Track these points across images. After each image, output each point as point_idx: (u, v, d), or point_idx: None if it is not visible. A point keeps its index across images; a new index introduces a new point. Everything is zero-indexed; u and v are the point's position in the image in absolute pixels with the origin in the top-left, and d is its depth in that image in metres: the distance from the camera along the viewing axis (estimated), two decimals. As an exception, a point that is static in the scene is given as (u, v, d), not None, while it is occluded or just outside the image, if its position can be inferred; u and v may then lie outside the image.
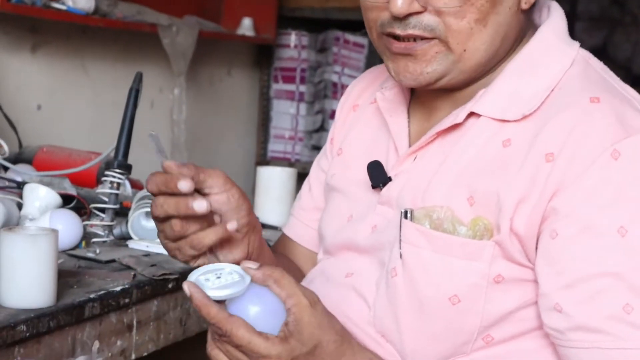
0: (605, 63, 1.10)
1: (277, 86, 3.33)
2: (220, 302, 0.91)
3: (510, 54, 1.07)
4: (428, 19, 1.02)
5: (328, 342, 0.93)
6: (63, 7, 2.25)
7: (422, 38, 1.02)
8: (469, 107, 1.03)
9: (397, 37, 1.03)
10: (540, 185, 0.96)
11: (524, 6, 1.04)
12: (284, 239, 1.34)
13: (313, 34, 3.34)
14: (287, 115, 3.34)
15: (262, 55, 3.36)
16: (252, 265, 0.94)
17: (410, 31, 1.02)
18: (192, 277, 0.93)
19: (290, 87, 3.32)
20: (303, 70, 3.30)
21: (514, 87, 1.04)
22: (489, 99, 1.04)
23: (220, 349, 0.93)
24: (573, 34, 1.13)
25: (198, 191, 0.99)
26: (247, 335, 0.89)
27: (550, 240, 0.95)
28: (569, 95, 1.02)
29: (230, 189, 1.03)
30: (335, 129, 1.27)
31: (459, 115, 1.03)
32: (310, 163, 1.92)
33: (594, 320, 0.94)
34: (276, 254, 1.24)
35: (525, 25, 1.08)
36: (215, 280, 0.92)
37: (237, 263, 1.01)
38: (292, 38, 3.33)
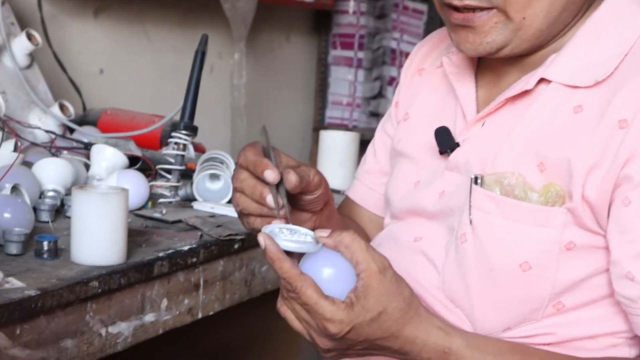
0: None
1: (335, 52, 3.32)
2: (293, 259, 0.92)
3: (581, 18, 1.06)
4: None
5: (394, 309, 0.94)
6: (126, -28, 2.24)
7: (480, 8, 1.02)
8: (540, 73, 1.03)
9: (456, 8, 1.03)
10: (612, 153, 0.95)
11: None
12: (347, 202, 1.35)
13: (372, 0, 3.32)
14: (345, 82, 3.32)
15: (321, 21, 3.35)
16: (323, 233, 0.95)
17: (467, 2, 1.02)
18: (267, 229, 0.95)
19: (349, 53, 3.30)
20: (361, 36, 3.28)
21: (586, 52, 1.03)
22: (559, 64, 1.03)
23: (288, 306, 0.94)
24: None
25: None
26: (314, 295, 0.89)
27: (623, 208, 0.95)
28: None
29: (314, 177, 1.07)
30: (400, 92, 1.27)
31: (529, 81, 1.03)
32: (367, 130, 1.93)
33: None
34: (343, 217, 1.25)
35: None
36: (289, 236, 0.94)
37: None
38: (351, 4, 3.30)
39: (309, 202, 1.09)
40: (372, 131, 1.37)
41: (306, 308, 0.91)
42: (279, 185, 1.01)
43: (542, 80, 1.03)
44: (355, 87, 3.22)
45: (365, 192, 1.32)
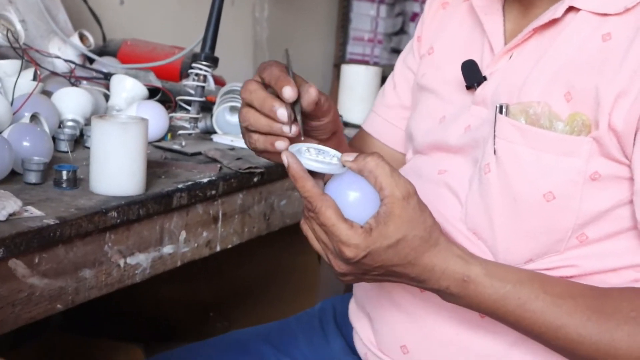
0: None
1: None
2: (317, 179, 0.94)
3: None
4: None
5: (414, 237, 0.94)
6: None
7: None
8: (568, 1, 1.02)
9: None
10: None
11: None
12: (362, 136, 1.36)
13: None
14: (366, 17, 3.33)
15: None
16: (349, 157, 0.95)
17: None
18: (294, 148, 0.95)
19: None
20: None
21: None
22: None
23: (309, 225, 0.96)
24: None
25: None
26: (333, 217, 0.91)
27: None
28: None
29: (325, 102, 1.06)
30: (424, 25, 1.27)
31: (557, 9, 1.02)
32: (389, 66, 1.94)
33: None
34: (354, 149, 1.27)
35: None
36: (315, 156, 0.94)
37: None
38: None
39: (316, 128, 1.09)
40: (393, 68, 1.38)
41: (324, 229, 0.93)
42: (294, 104, 1.00)
43: (571, 8, 1.02)
44: (377, 23, 3.21)
45: (382, 125, 1.32)
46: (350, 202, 0.93)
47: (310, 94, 1.00)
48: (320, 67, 3.28)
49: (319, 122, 1.07)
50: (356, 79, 1.91)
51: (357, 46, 3.23)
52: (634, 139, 0.96)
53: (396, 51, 3.15)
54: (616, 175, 0.99)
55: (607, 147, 0.97)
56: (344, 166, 0.94)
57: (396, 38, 3.21)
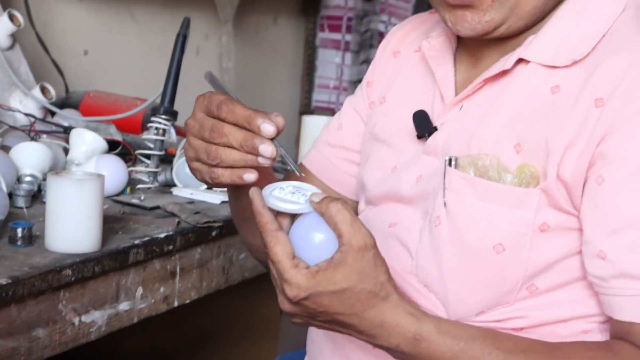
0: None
1: (323, 35, 3.35)
2: (283, 217, 0.96)
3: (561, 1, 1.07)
4: None
5: (362, 290, 0.94)
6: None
7: None
8: (518, 53, 1.03)
9: None
10: (588, 131, 0.96)
11: None
12: (301, 170, 1.33)
13: None
14: (332, 65, 3.35)
15: (309, 3, 3.37)
16: (315, 198, 0.96)
17: None
18: (269, 188, 0.96)
19: (336, 36, 3.33)
20: (349, 19, 3.32)
21: (564, 32, 1.04)
22: (538, 44, 1.04)
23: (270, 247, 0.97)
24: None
25: None
26: (279, 253, 0.91)
27: (597, 186, 0.96)
28: (620, 40, 1.02)
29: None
30: (375, 72, 1.28)
31: (507, 61, 1.03)
32: None
33: (638, 267, 0.95)
34: None
35: None
36: (288, 194, 0.95)
37: None
38: None
39: None
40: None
41: (273, 265, 0.94)
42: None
43: (520, 60, 1.04)
44: (343, 70, 3.24)
45: (323, 163, 1.33)
46: (310, 242, 0.93)
47: (279, 123, 1.01)
48: (286, 115, 3.26)
49: None
50: (317, 130, 1.85)
51: (322, 94, 3.25)
52: (582, 190, 0.97)
53: (361, 98, 3.16)
54: (565, 226, 0.99)
55: (555, 199, 0.98)
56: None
57: (361, 85, 3.22)
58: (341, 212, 0.92)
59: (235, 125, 1.03)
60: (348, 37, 3.32)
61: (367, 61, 3.21)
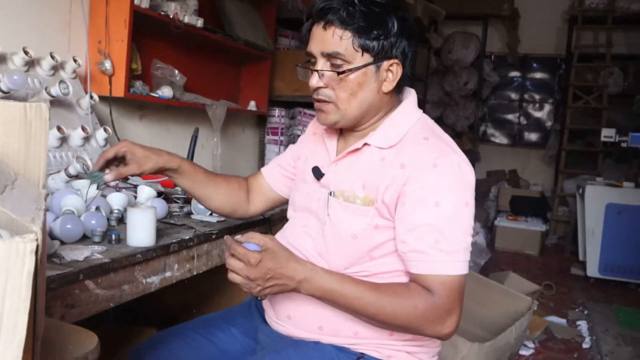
0: (440, 125, 1.40)
1: (269, 137, 4.03)
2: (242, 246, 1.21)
3: (389, 113, 1.36)
4: (326, 91, 1.31)
5: (282, 255, 1.22)
6: (156, 95, 2.78)
7: (325, 101, 1.32)
8: (364, 140, 1.34)
9: (316, 100, 1.34)
10: (398, 180, 1.24)
11: (385, 90, 1.33)
12: (259, 175, 1.67)
13: (287, 109, 4.03)
14: (274, 153, 3.99)
15: (261, 121, 4.04)
16: (240, 237, 1.24)
17: (319, 97, 1.32)
18: (237, 237, 1.22)
19: (276, 138, 4.00)
20: (282, 129, 3.99)
21: (388, 131, 1.32)
22: (375, 136, 1.33)
23: (230, 269, 1.23)
24: (424, 109, 1.52)
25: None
26: (243, 251, 1.20)
27: (402, 207, 1.25)
28: (413, 136, 1.30)
29: (135, 153, 1.41)
30: (301, 144, 1.60)
31: (359, 143, 1.35)
32: None
33: (421, 247, 1.23)
34: (226, 176, 1.63)
35: (395, 100, 1.38)
36: (241, 238, 1.24)
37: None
38: (276, 112, 4.02)
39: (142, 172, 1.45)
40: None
41: (239, 257, 1.19)
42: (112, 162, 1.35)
43: (366, 144, 1.34)
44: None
45: (276, 174, 1.63)
46: (251, 247, 1.23)
47: (107, 179, 1.31)
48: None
49: (135, 174, 1.42)
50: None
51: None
52: (395, 209, 1.25)
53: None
54: (387, 226, 1.27)
55: (382, 212, 1.25)
56: (249, 242, 1.22)
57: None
58: (255, 236, 1.22)
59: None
60: (282, 138, 4.00)
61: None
